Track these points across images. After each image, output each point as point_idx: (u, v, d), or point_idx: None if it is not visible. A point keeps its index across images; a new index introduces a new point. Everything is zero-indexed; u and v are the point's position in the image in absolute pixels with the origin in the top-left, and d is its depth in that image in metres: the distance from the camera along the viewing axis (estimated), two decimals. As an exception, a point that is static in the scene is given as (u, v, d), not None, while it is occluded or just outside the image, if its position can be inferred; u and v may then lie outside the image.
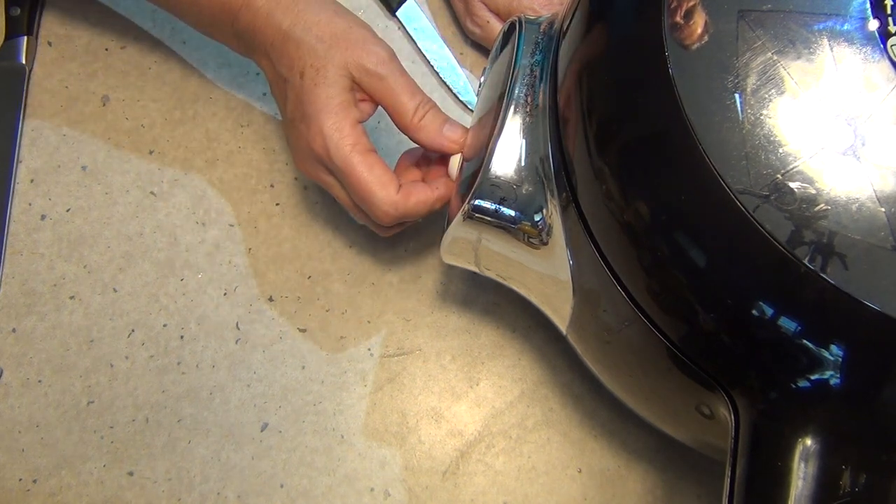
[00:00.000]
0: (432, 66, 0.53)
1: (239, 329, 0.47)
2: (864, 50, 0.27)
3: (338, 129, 0.39)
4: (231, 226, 0.49)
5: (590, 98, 0.31)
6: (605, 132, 0.30)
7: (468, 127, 0.41)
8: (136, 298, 0.47)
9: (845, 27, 0.27)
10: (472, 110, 0.53)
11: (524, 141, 0.35)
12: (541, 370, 0.48)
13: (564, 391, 0.47)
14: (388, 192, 0.39)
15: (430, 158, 0.43)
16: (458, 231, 0.37)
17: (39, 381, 0.45)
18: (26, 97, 0.50)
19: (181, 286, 0.47)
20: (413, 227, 0.50)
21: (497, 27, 0.51)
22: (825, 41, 0.27)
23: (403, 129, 0.41)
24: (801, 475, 0.27)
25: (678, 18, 0.28)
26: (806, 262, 0.25)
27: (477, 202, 0.35)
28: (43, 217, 0.48)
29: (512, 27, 0.39)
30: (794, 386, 0.27)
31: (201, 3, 0.41)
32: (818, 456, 0.27)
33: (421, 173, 0.43)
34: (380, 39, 0.41)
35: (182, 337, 0.47)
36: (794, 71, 0.27)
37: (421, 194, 0.40)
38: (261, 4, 0.40)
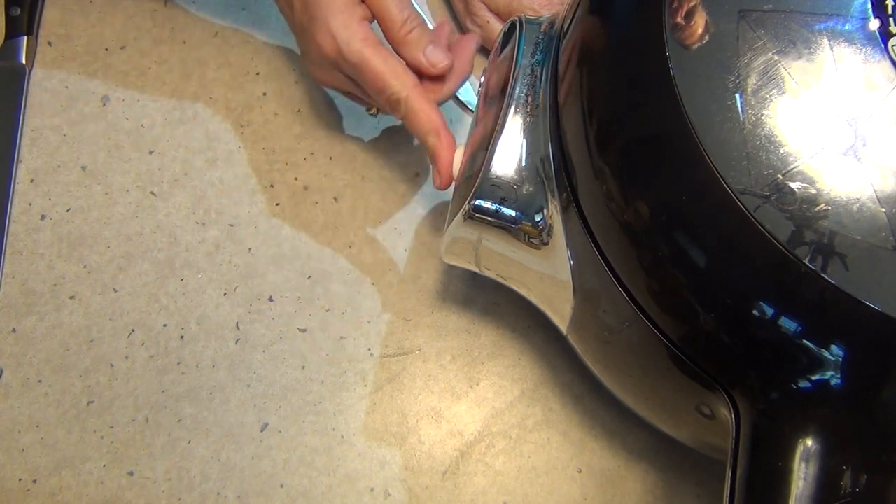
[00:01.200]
0: (432, 66, 0.53)
1: (239, 329, 0.47)
2: (865, 50, 0.27)
3: (346, 26, 0.40)
4: (231, 226, 0.49)
5: (590, 98, 0.31)
6: (606, 132, 0.30)
7: (470, 115, 0.42)
8: (136, 298, 0.47)
9: (846, 27, 0.27)
10: (472, 110, 0.53)
11: (525, 141, 0.35)
12: (541, 370, 0.48)
13: (564, 391, 0.47)
14: (403, 81, 0.41)
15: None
16: (458, 231, 0.37)
17: (39, 381, 0.45)
18: (26, 97, 0.50)
19: (181, 286, 0.47)
20: (413, 227, 0.50)
21: (497, 27, 0.51)
22: (826, 41, 0.27)
23: (390, 42, 0.42)
24: (802, 475, 0.27)
25: (679, 18, 0.28)
26: (806, 262, 0.25)
27: (477, 202, 0.35)
28: (43, 217, 0.48)
29: (512, 27, 0.39)
30: (794, 386, 0.27)
31: None
32: (819, 456, 0.27)
33: None
34: None
35: (182, 337, 0.47)
36: (794, 71, 0.27)
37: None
38: None
